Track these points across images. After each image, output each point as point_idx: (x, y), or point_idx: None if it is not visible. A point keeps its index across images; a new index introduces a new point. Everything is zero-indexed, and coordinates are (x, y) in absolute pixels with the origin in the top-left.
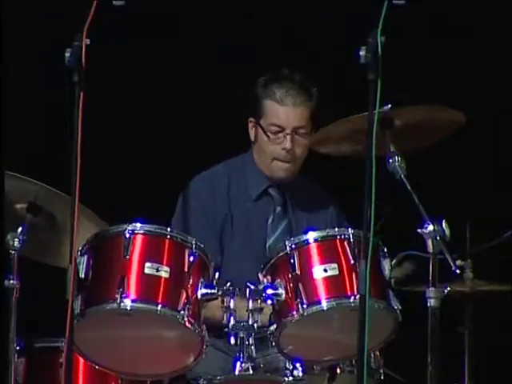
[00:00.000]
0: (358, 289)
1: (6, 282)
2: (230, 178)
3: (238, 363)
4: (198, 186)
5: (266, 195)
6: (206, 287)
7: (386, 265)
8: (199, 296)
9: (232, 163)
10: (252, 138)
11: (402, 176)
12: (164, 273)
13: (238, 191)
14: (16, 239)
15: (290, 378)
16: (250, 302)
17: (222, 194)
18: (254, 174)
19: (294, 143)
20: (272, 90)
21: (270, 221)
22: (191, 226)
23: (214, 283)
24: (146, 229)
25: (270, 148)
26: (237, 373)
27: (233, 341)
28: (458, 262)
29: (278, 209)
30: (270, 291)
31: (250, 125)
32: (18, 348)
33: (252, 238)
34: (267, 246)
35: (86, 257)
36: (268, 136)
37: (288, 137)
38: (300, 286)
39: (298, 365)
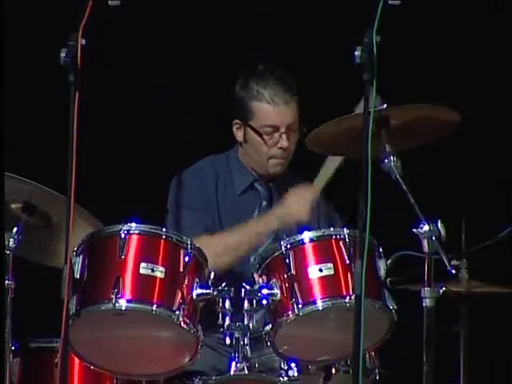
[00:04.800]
0: (353, 289)
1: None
2: (217, 174)
3: (233, 363)
4: (189, 178)
5: (252, 190)
6: (201, 287)
7: (382, 265)
8: (194, 296)
9: (217, 159)
10: (240, 139)
11: (398, 176)
12: (159, 273)
13: (225, 187)
14: (11, 239)
15: (285, 378)
16: (246, 302)
17: (210, 189)
18: (239, 170)
19: (290, 141)
20: (257, 91)
21: (255, 215)
22: (185, 214)
23: (210, 283)
24: (141, 229)
25: (266, 149)
26: (232, 373)
27: (228, 341)
28: (454, 262)
29: (264, 203)
30: (265, 291)
31: (236, 127)
32: (13, 348)
33: None
34: None
35: (81, 257)
36: (263, 138)
37: (284, 136)
38: (295, 285)
39: (293, 365)
